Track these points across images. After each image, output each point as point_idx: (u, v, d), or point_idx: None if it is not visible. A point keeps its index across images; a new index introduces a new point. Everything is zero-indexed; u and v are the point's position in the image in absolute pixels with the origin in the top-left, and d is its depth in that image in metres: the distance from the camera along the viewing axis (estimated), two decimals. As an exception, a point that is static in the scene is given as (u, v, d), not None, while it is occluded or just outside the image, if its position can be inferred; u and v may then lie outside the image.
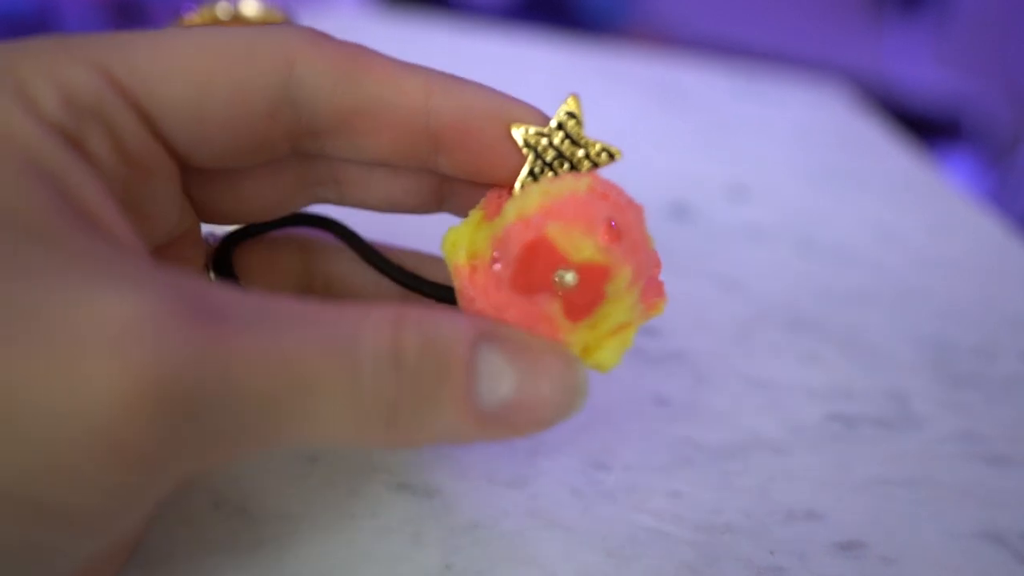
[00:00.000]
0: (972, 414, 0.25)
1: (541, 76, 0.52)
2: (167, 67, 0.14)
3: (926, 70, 1.65)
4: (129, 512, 0.12)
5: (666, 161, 0.43)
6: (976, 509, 0.21)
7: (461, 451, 0.20)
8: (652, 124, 0.48)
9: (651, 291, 0.16)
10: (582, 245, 0.14)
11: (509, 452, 0.20)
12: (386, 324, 0.13)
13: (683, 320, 0.28)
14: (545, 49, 0.59)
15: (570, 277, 0.14)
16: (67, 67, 0.13)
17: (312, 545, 0.17)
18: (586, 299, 0.14)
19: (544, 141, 0.16)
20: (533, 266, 0.14)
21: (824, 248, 0.35)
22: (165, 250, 0.17)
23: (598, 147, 0.16)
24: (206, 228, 0.19)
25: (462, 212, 0.19)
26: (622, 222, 0.14)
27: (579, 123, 0.16)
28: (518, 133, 0.16)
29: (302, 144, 0.16)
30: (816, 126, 0.53)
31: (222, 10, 0.23)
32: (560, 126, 0.16)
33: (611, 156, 0.16)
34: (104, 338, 0.10)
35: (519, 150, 0.16)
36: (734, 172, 0.43)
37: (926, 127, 1.52)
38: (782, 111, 0.55)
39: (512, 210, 0.15)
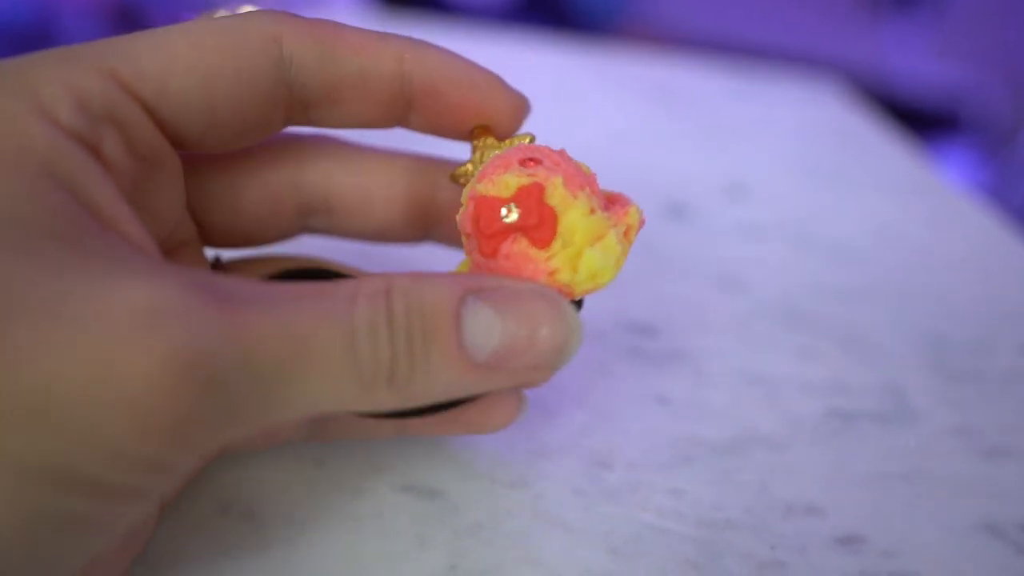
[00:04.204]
0: (969, 408, 0.25)
1: (538, 78, 0.53)
2: (173, 65, 0.15)
3: (924, 62, 1.65)
4: (163, 485, 0.13)
5: (663, 161, 0.43)
6: (974, 502, 0.21)
7: (465, 452, 0.20)
8: (649, 124, 0.48)
9: (618, 206, 0.16)
10: (506, 181, 0.15)
11: (513, 453, 0.21)
12: (379, 292, 0.14)
13: (682, 319, 0.28)
14: (541, 51, 0.59)
15: (512, 211, 0.15)
16: (78, 74, 0.14)
17: (318, 547, 0.17)
18: (537, 218, 0.15)
19: (471, 169, 0.18)
20: (482, 224, 0.16)
21: (821, 245, 0.35)
22: (171, 257, 0.18)
23: (516, 140, 0.18)
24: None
25: (447, 240, 0.21)
26: (539, 154, 0.16)
27: (496, 141, 0.18)
28: (456, 176, 0.18)
29: (294, 118, 0.17)
30: (812, 124, 0.54)
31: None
32: (483, 148, 0.18)
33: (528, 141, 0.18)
34: (133, 322, 0.11)
35: (481, 103, 0.18)
36: (731, 171, 0.43)
37: (924, 119, 1.52)
38: (778, 109, 0.55)
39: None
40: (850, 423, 0.24)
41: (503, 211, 0.15)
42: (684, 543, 0.19)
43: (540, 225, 0.15)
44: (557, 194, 0.15)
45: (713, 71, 0.61)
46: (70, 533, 0.12)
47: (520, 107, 0.19)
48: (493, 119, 0.18)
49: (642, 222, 0.17)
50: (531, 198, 0.15)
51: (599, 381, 0.24)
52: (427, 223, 0.20)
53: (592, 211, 0.15)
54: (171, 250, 0.18)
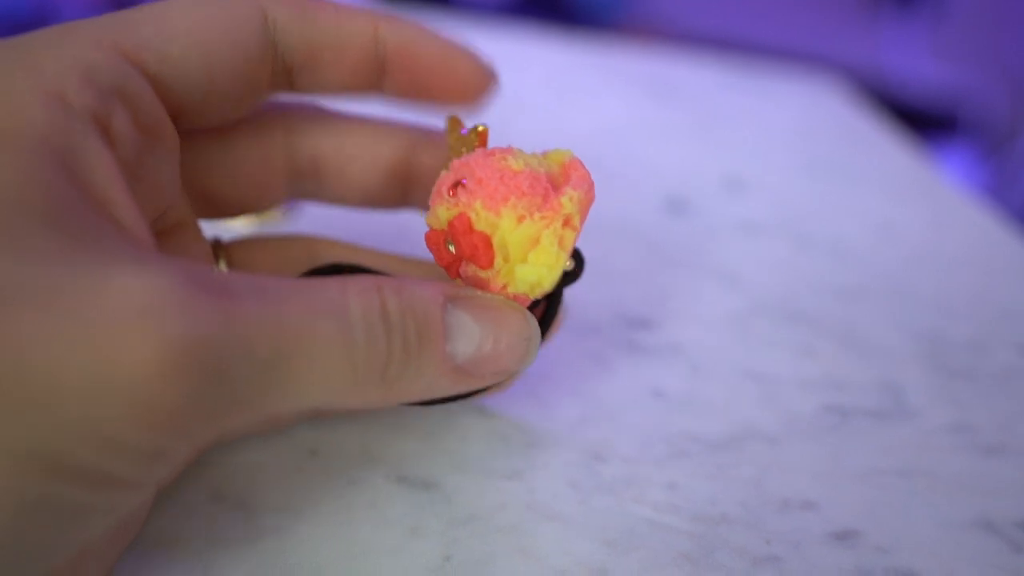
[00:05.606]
0: (966, 405, 0.25)
1: (538, 73, 0.52)
2: (172, 34, 0.15)
3: (922, 63, 1.65)
4: (158, 474, 0.13)
5: (662, 156, 0.43)
6: (970, 498, 0.21)
7: (460, 444, 0.20)
8: (648, 119, 0.48)
9: (552, 199, 0.16)
10: (439, 214, 0.16)
11: (508, 445, 0.21)
12: (371, 290, 0.14)
13: (679, 313, 0.28)
14: (542, 46, 0.59)
15: (449, 244, 0.16)
16: (82, 48, 0.14)
17: (311, 537, 0.17)
18: (470, 249, 0.16)
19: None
20: (435, 257, 0.17)
21: (820, 242, 0.35)
22: (168, 238, 0.18)
23: (471, 137, 0.18)
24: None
25: (425, 206, 0.20)
26: (467, 172, 0.16)
27: (461, 137, 0.18)
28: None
29: (278, 84, 0.18)
30: (812, 120, 0.53)
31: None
32: (455, 146, 0.18)
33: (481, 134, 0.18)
34: (131, 312, 0.11)
35: (451, 67, 0.19)
36: (730, 166, 0.43)
37: (922, 120, 1.52)
38: (778, 105, 0.55)
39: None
40: (847, 419, 0.23)
41: (447, 243, 0.16)
42: (679, 537, 0.18)
43: (475, 254, 0.16)
44: (481, 218, 0.16)
45: (712, 66, 0.61)
46: (64, 521, 0.11)
47: (488, 75, 0.19)
48: (463, 85, 0.19)
49: (587, 201, 0.16)
50: (458, 231, 0.16)
51: (595, 374, 0.24)
52: (408, 188, 0.21)
53: (521, 219, 0.16)
54: (167, 230, 0.18)
